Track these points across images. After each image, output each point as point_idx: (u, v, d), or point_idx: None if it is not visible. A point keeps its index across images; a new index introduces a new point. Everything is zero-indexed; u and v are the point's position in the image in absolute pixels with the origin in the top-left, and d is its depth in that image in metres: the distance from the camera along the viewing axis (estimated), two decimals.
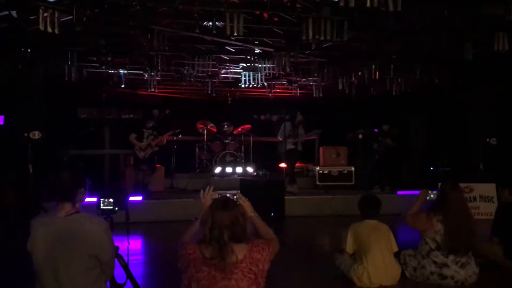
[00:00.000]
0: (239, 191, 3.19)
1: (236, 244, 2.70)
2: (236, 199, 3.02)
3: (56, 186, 2.75)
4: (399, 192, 9.48)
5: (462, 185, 5.13)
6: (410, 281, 4.76)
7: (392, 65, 8.96)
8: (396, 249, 4.72)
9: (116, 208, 3.26)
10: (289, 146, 10.26)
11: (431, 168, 11.21)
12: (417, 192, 5.06)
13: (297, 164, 12.33)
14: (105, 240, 2.78)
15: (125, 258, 3.43)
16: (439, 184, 4.91)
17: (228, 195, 3.08)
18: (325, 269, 5.24)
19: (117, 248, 3.05)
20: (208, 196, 3.09)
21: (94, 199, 3.33)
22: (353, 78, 9.66)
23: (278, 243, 3.00)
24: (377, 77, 9.04)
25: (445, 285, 4.59)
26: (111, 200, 3.24)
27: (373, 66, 8.81)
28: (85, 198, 2.86)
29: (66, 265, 2.68)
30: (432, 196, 4.85)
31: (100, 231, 2.76)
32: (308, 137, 11.38)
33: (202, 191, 3.14)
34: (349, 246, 4.74)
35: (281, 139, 10.60)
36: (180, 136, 10.58)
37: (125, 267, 3.37)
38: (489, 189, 8.82)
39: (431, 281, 4.65)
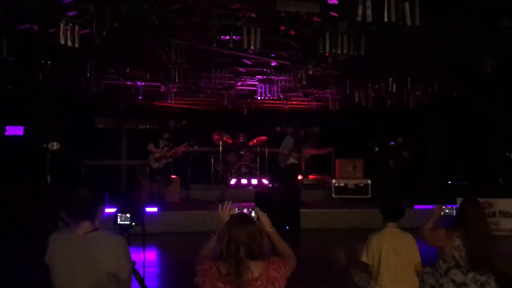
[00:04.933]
0: (256, 207, 3.14)
1: (252, 261, 2.68)
2: (256, 214, 3.00)
3: (75, 206, 2.73)
4: (416, 206, 9.35)
5: (480, 200, 5.02)
6: None
7: (409, 78, 8.90)
8: (418, 260, 4.54)
9: (133, 224, 3.27)
10: (292, 160, 10.07)
11: (449, 182, 11.05)
12: (434, 206, 4.94)
13: (312, 177, 12.31)
14: (124, 259, 2.77)
15: (141, 272, 3.44)
16: (459, 200, 4.79)
17: (245, 210, 3.06)
18: (342, 285, 5.18)
19: (134, 263, 3.05)
20: (226, 211, 3.08)
21: (112, 210, 3.33)
22: (370, 91, 9.61)
23: (295, 260, 2.96)
24: (394, 90, 8.98)
25: None
26: (128, 215, 3.25)
27: (390, 79, 8.76)
28: (104, 213, 2.86)
29: (83, 283, 2.67)
30: (447, 211, 4.75)
31: (118, 249, 2.75)
32: (314, 153, 11.30)
33: (220, 205, 3.12)
34: (370, 258, 4.55)
35: (282, 151, 10.40)
36: (196, 147, 10.63)
37: (141, 282, 3.37)
38: (509, 204, 8.65)
39: None
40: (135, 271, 3.24)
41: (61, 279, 2.70)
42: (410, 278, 4.47)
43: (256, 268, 2.67)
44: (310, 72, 8.24)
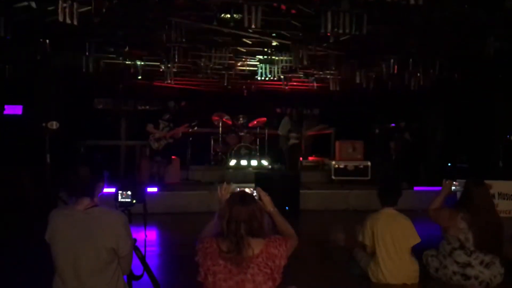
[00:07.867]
0: (258, 187, 3.15)
1: (253, 239, 2.69)
2: (257, 194, 3.00)
3: (75, 183, 2.76)
4: (415, 188, 9.37)
5: None
6: (434, 281, 4.56)
7: (411, 60, 8.83)
8: (417, 240, 4.40)
9: (134, 201, 3.27)
10: (292, 141, 10.13)
11: (449, 164, 11.06)
12: (434, 188, 4.93)
13: (312, 158, 12.32)
14: (124, 234, 2.78)
15: (142, 250, 3.44)
16: (464, 181, 4.74)
17: (247, 189, 3.06)
18: (341, 264, 5.20)
19: (135, 240, 3.05)
20: (225, 191, 3.08)
21: (112, 190, 3.34)
22: (371, 72, 9.55)
23: (296, 239, 2.97)
24: (395, 72, 8.92)
25: (469, 286, 4.38)
26: (129, 192, 3.25)
27: (392, 61, 8.69)
28: (103, 190, 2.87)
29: (84, 258, 2.69)
30: (456, 186, 4.72)
31: (118, 225, 2.77)
32: (314, 132, 11.29)
33: (219, 187, 3.12)
34: (367, 238, 4.56)
35: (280, 133, 10.49)
36: (196, 128, 10.61)
37: (142, 259, 3.37)
38: (508, 186, 8.66)
39: (455, 281, 4.44)
40: (136, 249, 3.24)
41: (61, 254, 2.71)
42: (406, 260, 4.44)
43: (256, 245, 2.68)
44: (311, 53, 8.20)
